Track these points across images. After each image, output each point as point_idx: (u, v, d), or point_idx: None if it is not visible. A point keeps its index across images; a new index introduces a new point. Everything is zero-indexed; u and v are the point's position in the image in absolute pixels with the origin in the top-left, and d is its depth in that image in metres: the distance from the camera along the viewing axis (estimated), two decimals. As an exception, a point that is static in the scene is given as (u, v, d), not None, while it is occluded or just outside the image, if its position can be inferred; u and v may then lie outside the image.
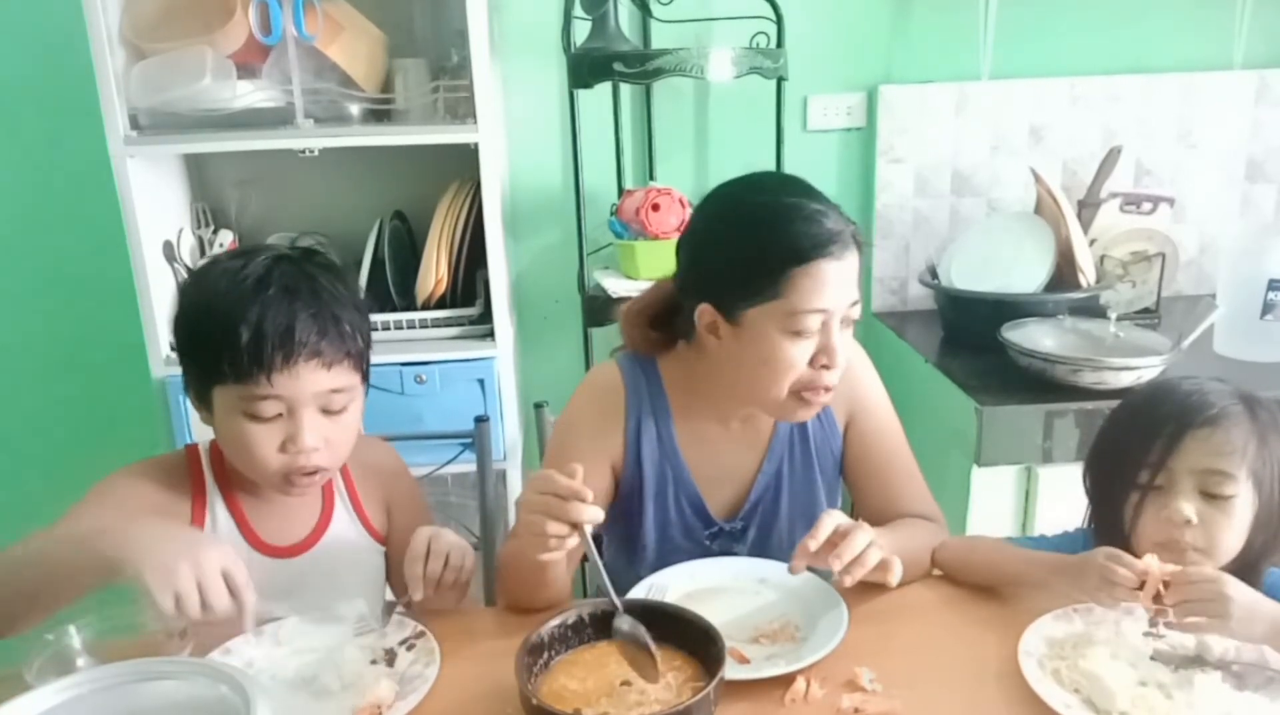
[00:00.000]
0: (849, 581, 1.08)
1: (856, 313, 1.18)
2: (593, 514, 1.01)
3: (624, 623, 0.99)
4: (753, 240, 1.15)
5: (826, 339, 1.15)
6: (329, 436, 1.15)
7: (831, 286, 1.13)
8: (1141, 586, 1.00)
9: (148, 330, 1.87)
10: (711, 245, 1.20)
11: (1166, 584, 1.00)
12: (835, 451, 1.34)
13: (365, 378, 1.20)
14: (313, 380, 1.11)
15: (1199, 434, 1.07)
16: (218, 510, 1.20)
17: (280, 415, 1.12)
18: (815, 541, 1.05)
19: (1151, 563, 1.01)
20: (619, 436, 1.28)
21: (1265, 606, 0.99)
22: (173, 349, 1.17)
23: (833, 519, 1.08)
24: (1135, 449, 1.10)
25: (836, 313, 1.15)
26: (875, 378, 1.35)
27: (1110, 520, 1.14)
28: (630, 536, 1.33)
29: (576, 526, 1.00)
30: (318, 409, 1.13)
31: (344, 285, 1.17)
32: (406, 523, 1.31)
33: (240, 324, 1.08)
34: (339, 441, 1.17)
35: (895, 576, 1.09)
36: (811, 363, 1.16)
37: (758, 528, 1.33)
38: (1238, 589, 0.98)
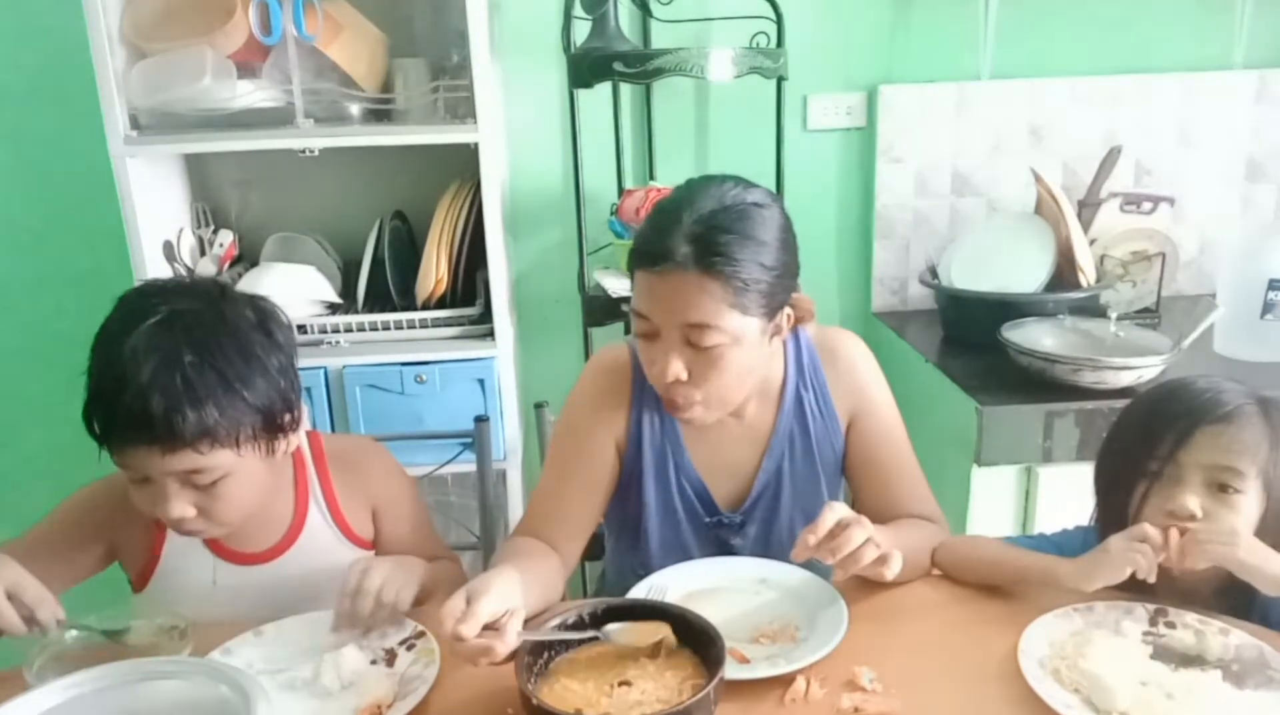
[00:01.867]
0: (842, 575, 1.08)
1: (704, 340, 1.13)
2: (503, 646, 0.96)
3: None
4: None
5: (661, 348, 1.16)
6: (202, 506, 1.10)
7: (651, 298, 1.15)
8: (1164, 549, 1.04)
9: (148, 330, 1.87)
10: None
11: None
12: (837, 449, 1.34)
13: (267, 442, 1.12)
14: (157, 461, 1.05)
15: (1212, 430, 1.08)
16: None
17: (148, 479, 1.08)
18: (815, 536, 1.05)
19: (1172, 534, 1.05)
20: (624, 415, 1.30)
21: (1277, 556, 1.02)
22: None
23: (834, 512, 1.07)
24: (1146, 440, 1.11)
25: (665, 326, 1.15)
26: (880, 379, 1.35)
27: (1116, 514, 1.14)
28: (633, 523, 1.34)
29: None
30: (178, 482, 1.08)
31: (222, 355, 1.07)
32: (398, 525, 1.31)
33: (93, 393, 1.06)
34: (216, 511, 1.11)
35: (893, 570, 1.08)
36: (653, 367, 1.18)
37: (759, 523, 1.33)
38: (1247, 532, 1.02)
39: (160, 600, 1.21)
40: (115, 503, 1.18)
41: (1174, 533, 1.04)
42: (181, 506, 1.09)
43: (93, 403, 1.06)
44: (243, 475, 1.11)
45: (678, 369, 1.15)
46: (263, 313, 1.15)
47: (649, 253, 1.14)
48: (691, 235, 1.12)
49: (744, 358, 1.17)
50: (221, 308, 1.12)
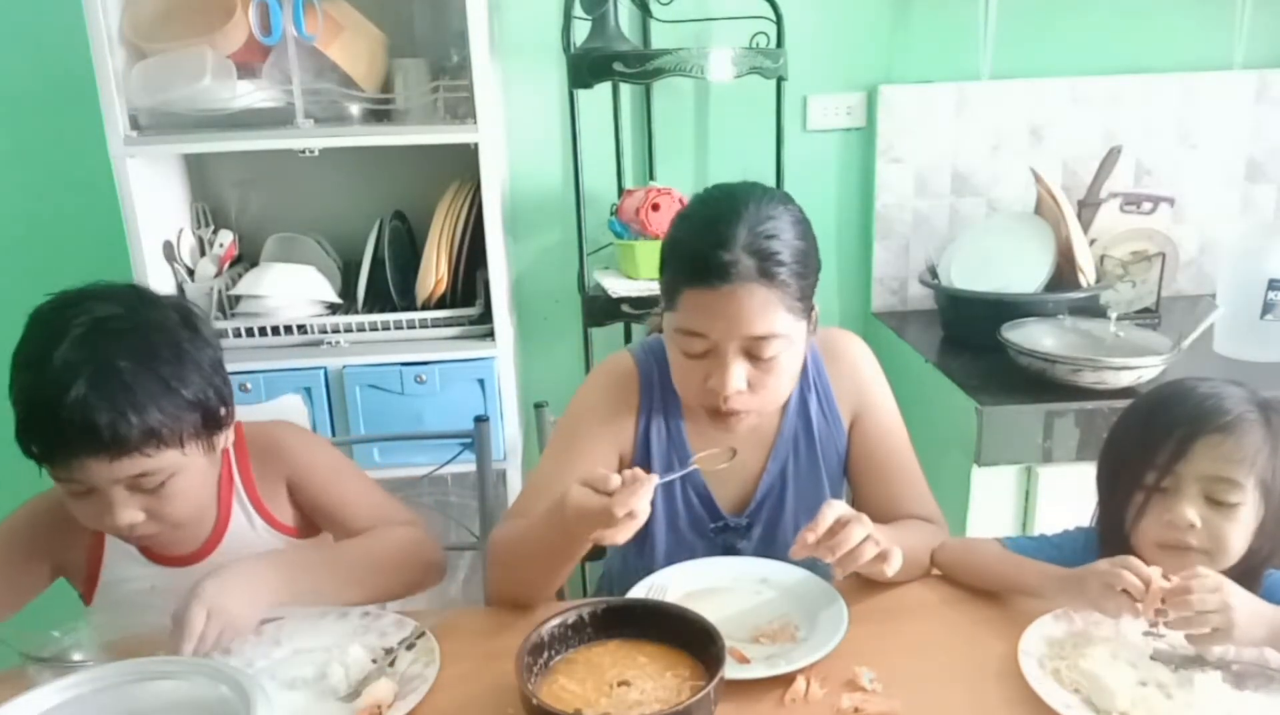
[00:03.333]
0: (841, 574, 1.08)
1: (767, 350, 1.13)
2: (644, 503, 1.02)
3: None
4: (668, 249, 1.19)
5: (717, 364, 1.15)
6: (151, 509, 1.09)
7: (712, 315, 1.13)
8: (1145, 596, 0.99)
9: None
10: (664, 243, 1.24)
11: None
12: (840, 450, 1.34)
13: (208, 437, 1.12)
14: (105, 470, 1.04)
15: (1210, 440, 1.06)
16: None
17: (93, 491, 1.06)
18: (814, 534, 1.05)
19: (1155, 574, 1.00)
20: (630, 425, 1.29)
21: (1265, 611, 0.99)
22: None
23: (834, 510, 1.07)
24: (1145, 450, 1.10)
25: (725, 341, 1.14)
26: (882, 379, 1.36)
27: (1116, 518, 1.14)
28: (639, 531, 1.33)
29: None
30: (126, 488, 1.07)
31: (155, 357, 1.06)
32: (319, 495, 1.28)
33: (27, 415, 1.04)
34: (166, 512, 1.10)
35: (892, 567, 1.08)
36: (708, 382, 1.17)
37: (764, 525, 1.33)
38: (1239, 599, 0.98)
39: (108, 612, 1.20)
40: (56, 519, 1.16)
41: (1156, 588, 0.99)
42: (131, 512, 1.07)
43: (27, 424, 1.04)
44: (190, 472, 1.11)
45: (740, 382, 1.15)
46: (185, 312, 1.14)
47: (709, 270, 1.11)
48: (750, 248, 1.11)
49: (794, 360, 1.19)
50: (145, 311, 1.10)
